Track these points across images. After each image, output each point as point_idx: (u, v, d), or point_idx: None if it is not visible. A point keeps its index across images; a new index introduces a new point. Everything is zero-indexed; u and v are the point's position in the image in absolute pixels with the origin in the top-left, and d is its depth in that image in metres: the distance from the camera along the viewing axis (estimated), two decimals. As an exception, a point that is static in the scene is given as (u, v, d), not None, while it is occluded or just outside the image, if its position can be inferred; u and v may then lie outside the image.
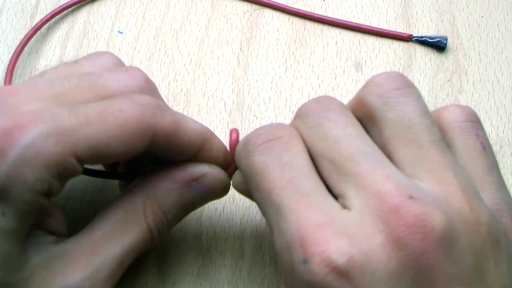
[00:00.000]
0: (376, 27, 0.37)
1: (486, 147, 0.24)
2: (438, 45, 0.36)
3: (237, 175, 0.26)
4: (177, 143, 0.24)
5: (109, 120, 0.22)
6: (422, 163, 0.22)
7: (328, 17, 0.37)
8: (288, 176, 0.22)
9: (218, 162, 0.26)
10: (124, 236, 0.24)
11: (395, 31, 0.37)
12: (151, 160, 0.27)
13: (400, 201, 0.20)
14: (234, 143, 0.26)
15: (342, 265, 0.19)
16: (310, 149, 0.23)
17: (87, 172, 0.27)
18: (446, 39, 0.36)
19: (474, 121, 0.24)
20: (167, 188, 0.25)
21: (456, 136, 0.24)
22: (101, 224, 0.24)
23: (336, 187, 0.22)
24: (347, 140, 0.22)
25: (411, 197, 0.20)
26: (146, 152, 0.24)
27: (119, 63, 0.27)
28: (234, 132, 0.26)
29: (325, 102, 0.24)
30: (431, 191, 0.21)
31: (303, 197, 0.21)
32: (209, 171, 0.26)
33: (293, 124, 0.25)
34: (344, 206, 0.21)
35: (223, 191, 0.27)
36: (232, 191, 0.29)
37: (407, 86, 0.23)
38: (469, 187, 0.22)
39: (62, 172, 0.22)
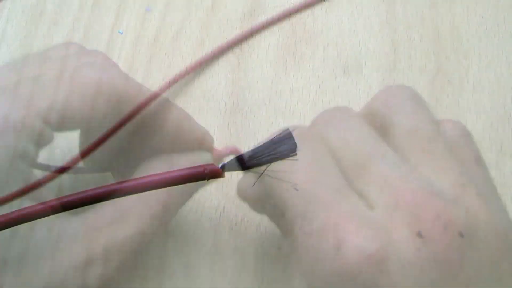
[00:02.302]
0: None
1: (480, 160, 0.24)
2: None
3: (243, 181, 0.26)
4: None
5: (69, 81, 0.23)
6: (436, 168, 0.22)
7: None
8: (316, 172, 0.22)
9: (198, 142, 0.27)
10: (131, 223, 0.25)
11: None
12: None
13: (424, 197, 0.21)
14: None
15: (375, 253, 0.19)
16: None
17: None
18: None
19: (467, 136, 0.25)
20: None
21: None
22: (107, 209, 0.24)
23: (357, 188, 0.22)
24: (366, 143, 0.23)
25: (434, 193, 0.21)
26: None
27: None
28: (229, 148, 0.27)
29: (342, 111, 0.25)
30: (449, 192, 0.22)
31: (333, 191, 0.22)
32: (209, 159, 0.27)
33: (311, 130, 0.25)
34: (367, 206, 0.22)
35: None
36: (232, 191, 0.28)
37: (417, 97, 0.25)
38: (482, 191, 0.22)
39: (30, 135, 0.22)
